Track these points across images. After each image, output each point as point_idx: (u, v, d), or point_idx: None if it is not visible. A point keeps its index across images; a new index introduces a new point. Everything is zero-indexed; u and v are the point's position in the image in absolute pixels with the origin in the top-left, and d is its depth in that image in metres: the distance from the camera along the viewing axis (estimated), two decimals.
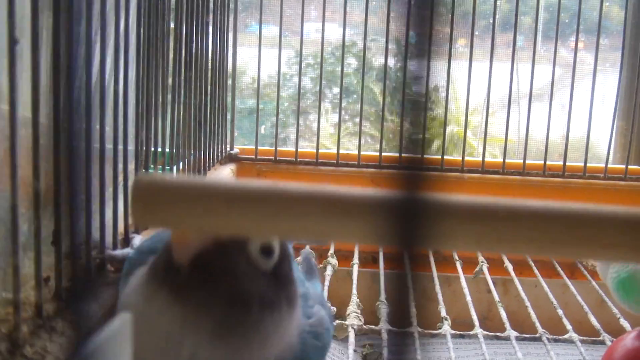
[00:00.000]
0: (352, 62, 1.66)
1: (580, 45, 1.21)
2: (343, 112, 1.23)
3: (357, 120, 1.33)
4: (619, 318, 0.79)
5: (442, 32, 1.07)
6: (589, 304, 0.83)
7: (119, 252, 0.55)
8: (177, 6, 0.72)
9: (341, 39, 1.10)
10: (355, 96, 1.60)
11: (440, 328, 0.75)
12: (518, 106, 1.24)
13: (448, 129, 1.53)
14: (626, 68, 1.16)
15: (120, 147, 0.58)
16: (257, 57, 1.04)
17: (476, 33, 1.09)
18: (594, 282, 0.90)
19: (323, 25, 1.04)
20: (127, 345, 0.37)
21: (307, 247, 0.85)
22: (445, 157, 1.04)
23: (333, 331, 0.61)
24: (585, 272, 0.95)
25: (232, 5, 0.98)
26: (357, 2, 1.20)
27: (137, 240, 0.59)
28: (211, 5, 0.85)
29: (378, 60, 1.41)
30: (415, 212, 0.20)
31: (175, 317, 0.43)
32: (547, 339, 0.75)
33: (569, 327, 0.78)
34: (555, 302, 0.83)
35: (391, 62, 1.18)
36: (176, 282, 0.43)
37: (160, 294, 0.43)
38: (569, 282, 0.89)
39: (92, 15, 0.49)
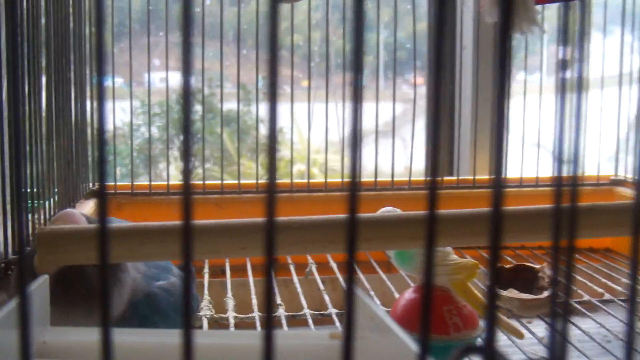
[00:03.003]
0: (198, 108, 1.80)
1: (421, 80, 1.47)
2: (193, 159, 1.41)
3: (208, 166, 1.51)
4: None
5: (286, 75, 1.27)
6: (399, 290, 1.07)
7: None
8: (47, 63, 0.90)
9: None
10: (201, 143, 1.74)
11: (276, 312, 0.97)
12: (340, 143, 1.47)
13: (295, 168, 1.72)
14: (428, 95, 1.44)
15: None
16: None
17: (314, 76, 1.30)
18: (403, 274, 1.13)
19: (167, 74, 1.24)
20: (47, 299, 0.56)
21: None
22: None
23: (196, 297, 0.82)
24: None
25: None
26: (199, 49, 1.34)
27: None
28: (72, 62, 1.04)
29: (225, 106, 1.54)
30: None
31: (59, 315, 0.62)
32: None
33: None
34: (373, 292, 1.05)
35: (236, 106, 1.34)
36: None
37: None
38: (384, 276, 1.12)
39: None
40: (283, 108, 1.28)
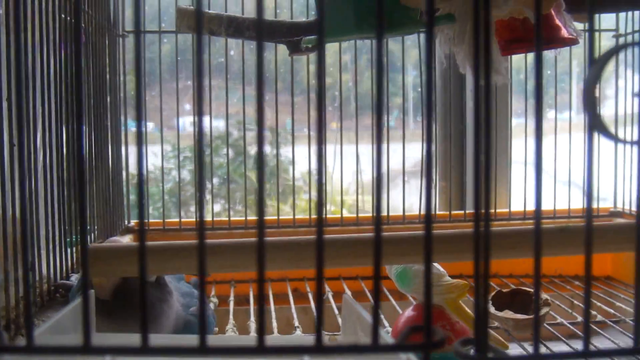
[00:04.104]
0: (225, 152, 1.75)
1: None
2: (223, 201, 1.50)
3: (238, 208, 1.58)
4: None
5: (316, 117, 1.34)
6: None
7: (67, 281, 0.86)
8: (87, 113, 1.04)
9: (215, 130, 1.38)
10: (233, 185, 1.68)
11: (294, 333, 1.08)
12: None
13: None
14: (441, 135, 1.55)
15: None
16: (134, 154, 1.32)
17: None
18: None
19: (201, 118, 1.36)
20: (92, 310, 0.68)
21: None
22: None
23: (214, 320, 0.93)
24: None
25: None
26: (229, 94, 1.36)
27: (75, 277, 0.90)
28: (108, 109, 1.17)
29: (254, 149, 1.49)
30: None
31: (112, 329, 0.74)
32: None
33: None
34: (382, 315, 1.16)
35: (267, 149, 1.40)
36: (108, 310, 0.74)
37: (101, 318, 0.73)
38: (395, 304, 1.23)
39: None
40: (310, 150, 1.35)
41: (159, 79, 1.31)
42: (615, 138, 0.43)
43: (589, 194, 0.44)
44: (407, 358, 0.44)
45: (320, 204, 0.43)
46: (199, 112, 0.43)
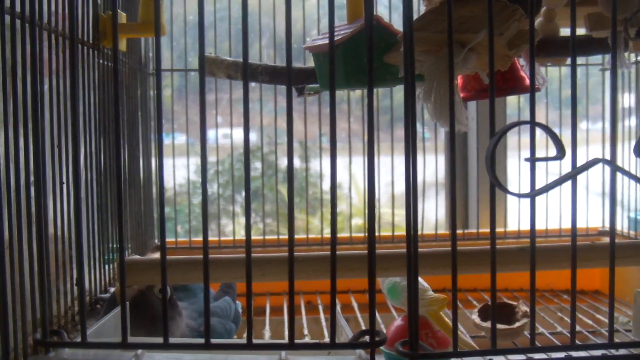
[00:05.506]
0: (258, 166, 1.74)
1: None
2: (254, 214, 1.63)
3: (268, 220, 1.68)
4: None
5: (348, 129, 1.44)
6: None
7: (104, 295, 1.03)
8: (116, 141, 1.20)
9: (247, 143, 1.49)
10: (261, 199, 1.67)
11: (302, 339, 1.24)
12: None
13: (353, 222, 1.92)
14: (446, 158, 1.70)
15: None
16: (167, 167, 1.48)
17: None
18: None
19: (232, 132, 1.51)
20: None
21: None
22: None
23: (231, 332, 1.09)
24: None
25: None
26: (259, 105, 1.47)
27: (111, 290, 1.08)
28: (139, 127, 1.34)
29: (284, 162, 1.53)
30: None
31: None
32: None
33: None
34: (382, 324, 1.32)
35: (297, 162, 1.49)
36: None
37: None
38: (394, 314, 1.39)
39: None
40: (341, 162, 1.44)
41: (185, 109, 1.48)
42: (508, 192, 0.59)
43: (492, 220, 0.60)
44: (358, 354, 0.60)
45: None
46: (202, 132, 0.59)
